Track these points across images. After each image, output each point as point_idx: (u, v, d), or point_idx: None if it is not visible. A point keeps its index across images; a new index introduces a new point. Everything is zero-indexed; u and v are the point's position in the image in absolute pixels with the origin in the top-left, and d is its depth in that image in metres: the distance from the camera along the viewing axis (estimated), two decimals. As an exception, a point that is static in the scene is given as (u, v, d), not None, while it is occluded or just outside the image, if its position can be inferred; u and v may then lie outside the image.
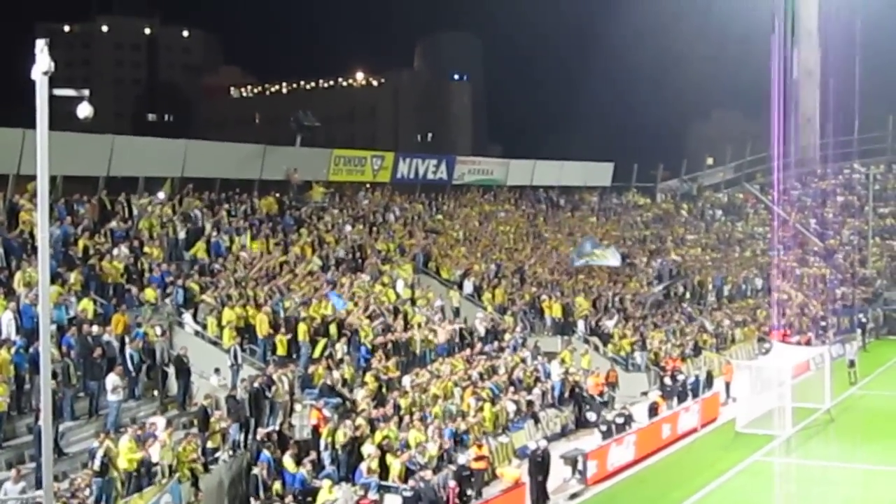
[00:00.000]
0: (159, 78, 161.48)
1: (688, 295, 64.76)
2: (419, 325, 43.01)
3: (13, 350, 29.06)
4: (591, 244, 58.69)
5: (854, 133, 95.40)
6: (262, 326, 36.96)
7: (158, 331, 34.24)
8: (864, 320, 67.83)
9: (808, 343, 58.00)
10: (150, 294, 36.58)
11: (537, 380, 42.34)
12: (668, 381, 46.95)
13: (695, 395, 45.69)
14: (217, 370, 34.25)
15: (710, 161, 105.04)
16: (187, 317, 36.64)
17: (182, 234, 42.77)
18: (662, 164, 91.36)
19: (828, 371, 46.04)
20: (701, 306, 63.76)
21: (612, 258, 58.17)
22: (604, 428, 38.71)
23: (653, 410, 41.52)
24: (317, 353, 37.51)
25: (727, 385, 47.92)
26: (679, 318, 58.54)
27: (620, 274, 62.88)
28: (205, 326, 36.49)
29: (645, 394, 45.93)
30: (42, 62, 17.73)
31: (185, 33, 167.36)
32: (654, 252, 71.47)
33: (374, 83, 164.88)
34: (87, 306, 33.50)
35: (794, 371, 45.72)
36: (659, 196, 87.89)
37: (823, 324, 65.87)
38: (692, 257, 74.05)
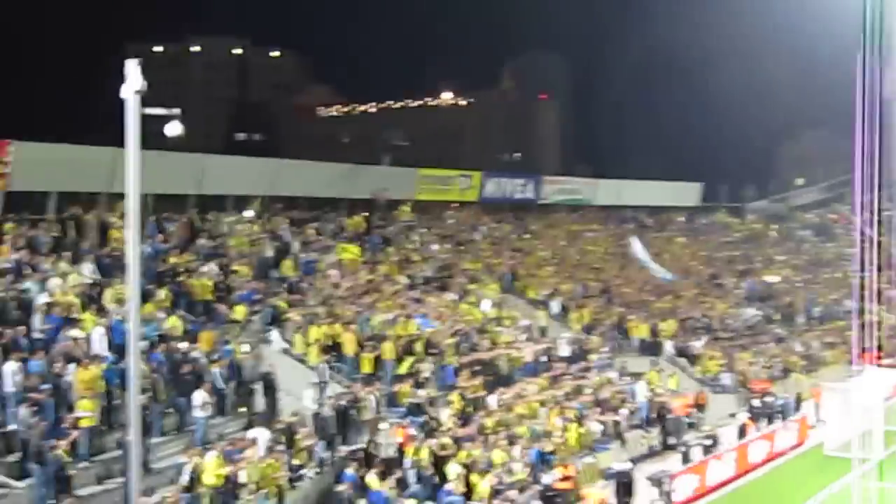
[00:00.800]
0: (249, 97, 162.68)
1: (777, 316, 64.10)
2: (505, 345, 42.97)
3: (104, 366, 29.38)
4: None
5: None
6: (348, 344, 37.13)
7: (246, 348, 34.49)
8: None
9: (900, 366, 57.10)
10: (238, 311, 36.90)
11: (623, 400, 42.10)
12: (756, 402, 46.50)
13: (784, 418, 45.21)
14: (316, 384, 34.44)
15: (800, 181, 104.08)
16: (275, 334, 36.89)
17: (270, 253, 43.09)
18: (752, 185, 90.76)
19: (920, 394, 45.34)
20: (790, 327, 63.08)
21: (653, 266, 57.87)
22: (682, 450, 38.40)
23: (741, 432, 41.14)
24: (402, 371, 37.60)
25: (816, 407, 47.35)
26: (768, 340, 57.95)
27: (709, 295, 62.46)
28: (292, 344, 36.72)
29: (733, 416, 45.51)
30: (134, 81, 17.97)
31: (275, 53, 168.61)
32: (743, 273, 70.84)
33: (462, 103, 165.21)
34: (175, 323, 33.84)
35: (886, 394, 45.03)
36: (748, 216, 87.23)
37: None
38: (782, 278, 73.30)
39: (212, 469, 26.96)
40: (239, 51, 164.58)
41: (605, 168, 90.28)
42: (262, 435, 30.10)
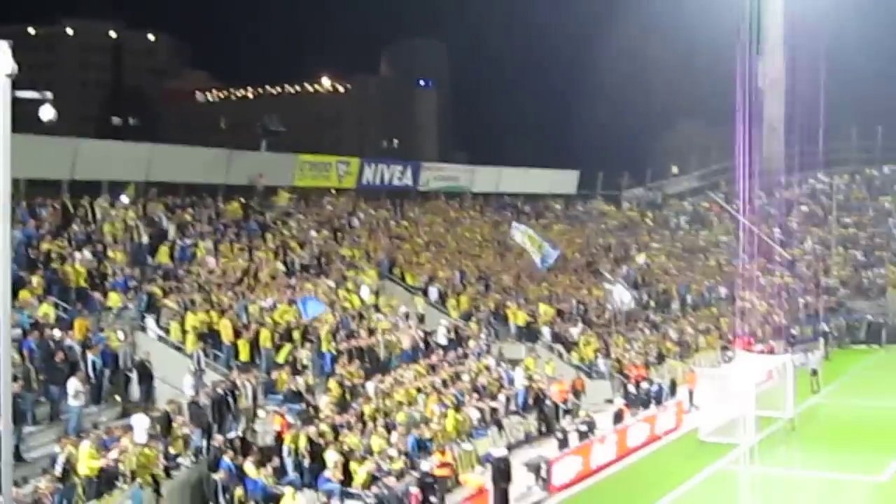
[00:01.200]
0: (124, 82, 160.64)
1: (652, 303, 64.85)
2: (383, 331, 42.94)
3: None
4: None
5: (818, 143, 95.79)
6: (225, 332, 36.82)
7: (121, 335, 34.04)
8: (826, 329, 68.07)
9: (771, 352, 58.17)
10: (113, 299, 36.38)
11: (501, 387, 42.28)
12: (631, 388, 47.04)
13: (658, 403, 45.76)
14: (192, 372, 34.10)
15: (674, 170, 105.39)
16: (150, 322, 36.44)
17: (146, 239, 42.54)
18: (627, 173, 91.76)
19: (790, 380, 46.15)
20: (665, 314, 63.85)
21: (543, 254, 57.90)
22: (560, 436, 38.68)
23: (617, 418, 41.55)
24: (280, 359, 37.41)
25: (690, 393, 47.97)
26: (643, 326, 58.58)
27: (585, 281, 63.04)
28: (168, 331, 36.31)
29: (609, 401, 45.97)
30: (4, 63, 17.56)
31: (151, 37, 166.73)
32: (619, 260, 71.56)
33: (340, 89, 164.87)
34: (48, 310, 33.29)
35: (757, 379, 45.82)
36: (624, 204, 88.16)
37: (787, 333, 66.10)
38: (656, 265, 74.18)
39: (86, 458, 26.53)
40: (114, 34, 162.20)
41: (484, 155, 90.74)
42: (141, 422, 29.73)
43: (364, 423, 34.04)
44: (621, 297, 56.39)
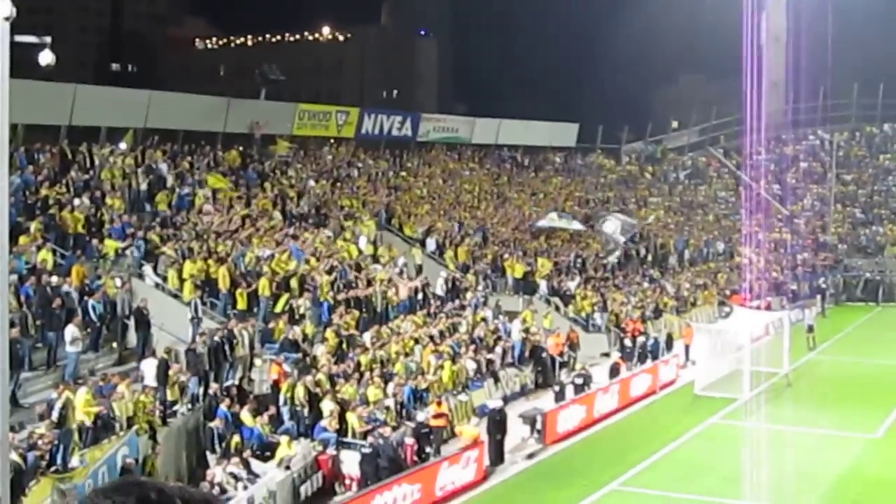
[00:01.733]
0: (123, 27, 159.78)
1: (650, 257, 64.91)
2: (381, 282, 42.93)
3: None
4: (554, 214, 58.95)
5: (819, 99, 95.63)
6: (223, 280, 36.81)
7: (118, 283, 34.00)
8: (823, 286, 68.23)
9: (768, 308, 58.29)
10: (110, 245, 36.33)
11: (498, 339, 42.33)
12: (628, 342, 47.12)
13: (655, 357, 45.85)
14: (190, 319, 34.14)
15: (675, 124, 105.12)
16: (148, 269, 36.41)
17: (144, 186, 42.48)
18: (627, 126, 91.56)
19: (787, 336, 46.26)
20: (663, 269, 63.91)
21: (573, 224, 58.43)
22: (557, 388, 38.77)
23: (613, 371, 41.63)
24: (278, 308, 37.42)
25: (687, 348, 48.04)
26: (640, 281, 58.64)
27: (582, 235, 63.04)
28: (165, 279, 36.29)
29: (606, 355, 46.08)
30: (3, 7, 17.45)
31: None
32: (618, 213, 71.56)
33: (341, 38, 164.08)
34: (46, 256, 33.26)
35: (754, 335, 45.95)
36: (623, 158, 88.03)
37: (784, 288, 66.26)
38: (655, 220, 74.19)
39: (82, 405, 26.57)
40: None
41: (483, 107, 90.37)
42: (151, 366, 29.86)
43: (361, 374, 34.08)
44: (616, 230, 56.70)
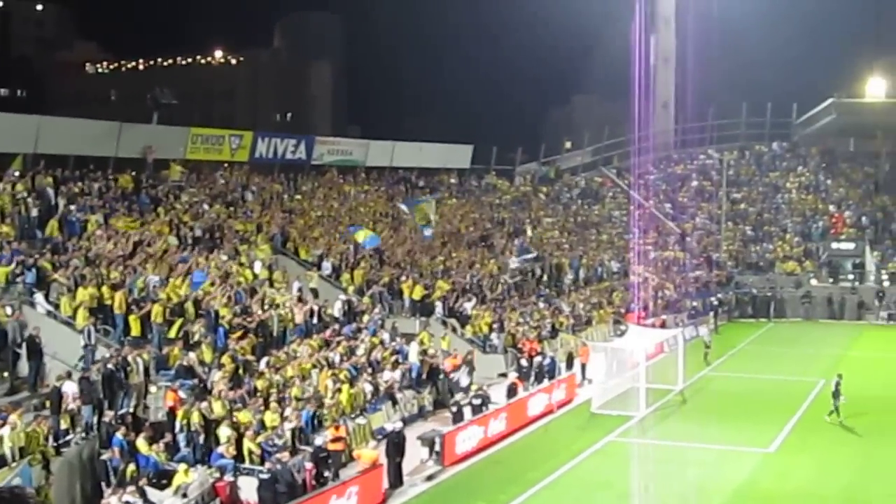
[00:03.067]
0: (11, 52, 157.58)
1: (545, 277, 65.27)
2: (276, 306, 42.68)
3: None
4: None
5: (708, 119, 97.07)
6: (117, 306, 36.37)
7: (9, 311, 33.46)
8: (716, 303, 69.21)
9: (662, 325, 58.95)
10: (1, 273, 35.75)
11: (396, 361, 42.23)
12: (524, 362, 47.27)
13: (551, 377, 46.01)
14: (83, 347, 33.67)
15: (568, 145, 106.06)
16: (39, 297, 35.86)
17: (34, 213, 41.89)
18: (521, 148, 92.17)
19: (681, 353, 46.83)
20: (558, 288, 64.31)
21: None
22: (454, 409, 38.79)
23: (511, 392, 41.71)
24: (172, 334, 37.03)
25: (583, 367, 48.32)
26: (536, 300, 58.91)
27: (478, 256, 63.24)
28: (57, 307, 35.77)
29: (503, 375, 46.19)
30: None
31: (39, 7, 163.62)
32: (513, 234, 71.90)
33: (233, 62, 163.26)
34: (-66, 285, 32.69)
35: (648, 352, 46.39)
36: (517, 179, 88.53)
37: (677, 306, 67.14)
38: (549, 240, 74.66)
39: (-28, 436, 26.11)
40: (1, 3, 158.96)
41: (378, 130, 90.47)
42: (71, 387, 29.45)
43: (257, 399, 33.82)
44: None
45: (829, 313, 73.53)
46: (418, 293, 52.09)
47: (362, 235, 53.83)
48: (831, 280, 76.99)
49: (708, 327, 60.41)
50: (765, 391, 47.25)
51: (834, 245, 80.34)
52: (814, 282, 76.50)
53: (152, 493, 27.12)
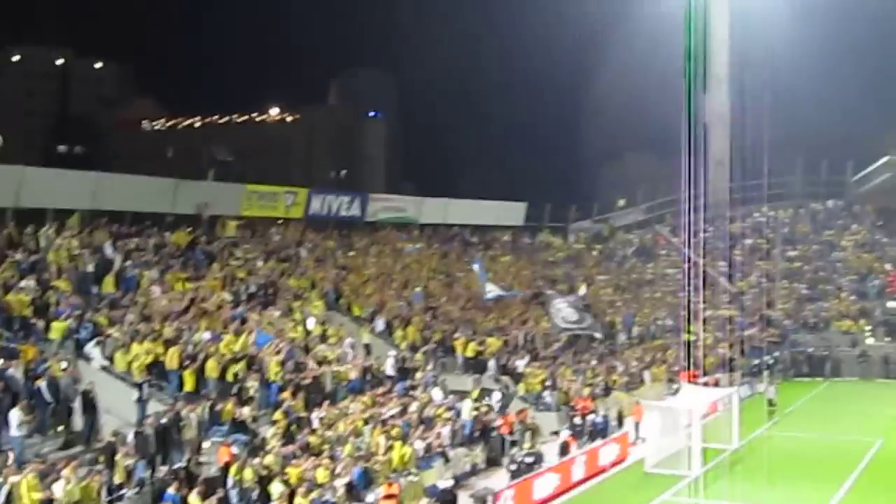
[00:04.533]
0: (71, 109, 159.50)
1: (598, 335, 65.00)
2: (329, 362, 42.79)
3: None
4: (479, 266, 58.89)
5: (763, 177, 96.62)
6: (170, 362, 36.58)
7: (63, 365, 33.71)
8: (771, 362, 68.69)
9: (716, 384, 58.50)
10: (56, 328, 36.06)
11: (448, 418, 42.14)
12: (578, 420, 47.07)
13: (604, 436, 45.79)
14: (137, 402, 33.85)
15: (621, 202, 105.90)
16: (95, 351, 36.13)
17: (90, 268, 42.26)
18: (574, 205, 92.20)
19: (735, 411, 46.46)
20: (611, 346, 64.06)
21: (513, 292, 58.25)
22: (513, 467, 38.63)
23: (563, 450, 41.53)
24: (226, 390, 37.17)
25: (636, 425, 48.06)
26: (589, 358, 58.68)
27: (531, 313, 63.16)
28: (112, 361, 36.02)
29: (556, 433, 46.00)
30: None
31: (99, 65, 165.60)
32: (565, 292, 71.68)
33: (289, 119, 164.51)
34: (-9, 340, 32.99)
35: (703, 411, 46.08)
36: (571, 236, 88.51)
37: (732, 364, 66.66)
38: (603, 297, 74.47)
39: (27, 490, 26.25)
40: (61, 61, 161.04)
41: (431, 187, 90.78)
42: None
43: (309, 455, 33.85)
44: (565, 314, 56.63)
45: (886, 372, 72.69)
46: (473, 350, 52.03)
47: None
48: (888, 339, 76.17)
49: (773, 384, 60.11)
50: (821, 451, 46.78)
51: (890, 303, 79.59)
52: (870, 340, 75.78)
53: (204, 548, 27.20)
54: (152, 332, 37.94)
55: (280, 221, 62.71)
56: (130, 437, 31.50)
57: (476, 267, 58.26)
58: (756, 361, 68.86)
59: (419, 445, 38.20)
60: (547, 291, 61.48)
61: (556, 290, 69.29)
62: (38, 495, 26.36)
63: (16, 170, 46.75)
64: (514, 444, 42.88)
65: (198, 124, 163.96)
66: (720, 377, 61.31)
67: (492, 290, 57.28)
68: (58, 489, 27.05)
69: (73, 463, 28.57)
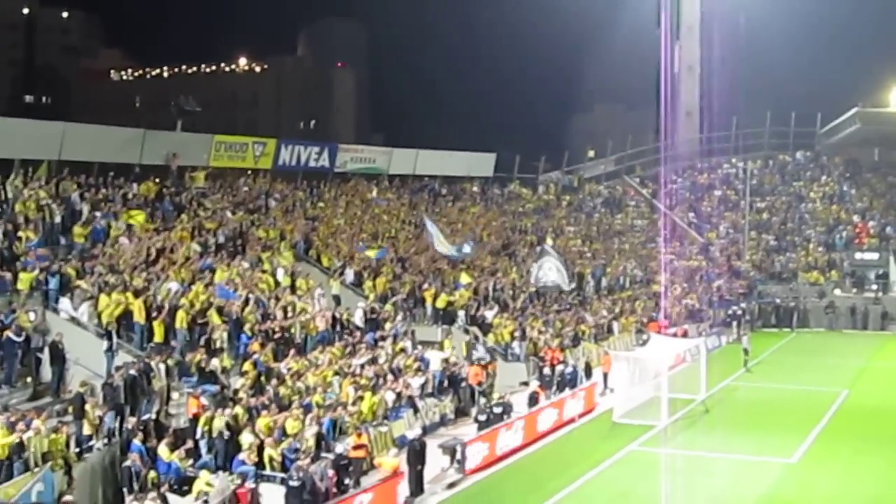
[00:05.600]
0: (37, 59, 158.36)
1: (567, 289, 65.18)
2: (299, 313, 42.75)
3: None
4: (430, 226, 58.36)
5: (732, 128, 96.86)
6: (139, 313, 36.47)
7: (32, 316, 33.58)
8: (739, 313, 69.00)
9: (684, 335, 58.81)
10: (24, 279, 35.88)
11: (418, 369, 42.21)
12: (547, 371, 47.21)
13: (573, 386, 45.95)
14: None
15: (591, 153, 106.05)
16: (63, 302, 35.98)
17: (58, 219, 42.04)
18: (544, 156, 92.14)
19: (703, 362, 46.68)
20: (580, 297, 64.21)
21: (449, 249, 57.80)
22: (482, 417, 38.74)
23: (532, 400, 41.67)
24: (195, 340, 37.12)
25: (605, 376, 48.23)
26: (559, 309, 58.80)
27: (501, 264, 63.24)
28: (81, 312, 35.87)
29: (525, 384, 46.13)
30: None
31: (65, 14, 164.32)
32: (535, 243, 71.80)
33: (257, 69, 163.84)
34: (-42, 291, 32.81)
35: (671, 362, 46.32)
36: (540, 188, 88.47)
37: (700, 315, 67.08)
38: (572, 248, 74.60)
39: (-3, 437, 26.24)
40: (27, 10, 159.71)
41: (401, 137, 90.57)
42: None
43: (279, 406, 33.86)
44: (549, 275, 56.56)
45: (853, 323, 73.18)
46: (444, 301, 52.07)
47: (372, 252, 54.08)
48: (855, 290, 76.66)
49: (745, 333, 60.45)
50: (787, 401, 47.07)
51: (857, 255, 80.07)
52: (837, 292, 76.20)
53: (173, 499, 27.22)
54: (121, 283, 37.78)
55: (249, 172, 62.53)
56: (99, 389, 31.42)
57: (428, 225, 57.90)
58: (723, 313, 69.23)
59: (389, 396, 38.27)
60: (545, 247, 61.04)
61: (525, 242, 69.44)
62: (8, 440, 26.30)
63: (-19, 120, 46.44)
64: (482, 394, 42.99)
65: (166, 74, 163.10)
66: (688, 328, 61.66)
67: (442, 248, 56.94)
68: (27, 440, 26.98)
69: (42, 414, 28.52)
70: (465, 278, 56.51)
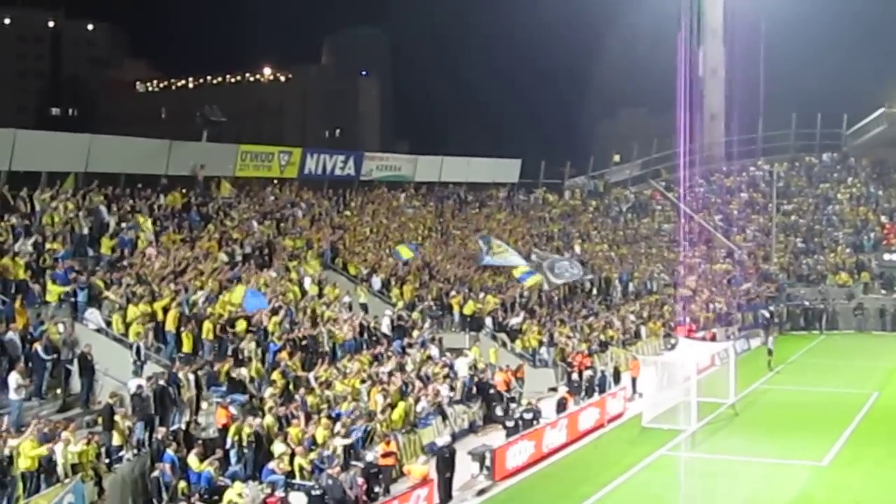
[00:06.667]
0: (63, 72, 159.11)
1: (594, 291, 65.11)
2: (326, 321, 42.79)
3: None
4: (485, 242, 58.31)
5: (758, 131, 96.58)
6: (167, 323, 36.55)
7: (61, 328, 33.67)
8: (768, 315, 68.80)
9: (713, 339, 58.68)
10: (53, 291, 35.98)
11: (446, 376, 42.20)
12: (575, 376, 47.18)
13: (602, 391, 45.90)
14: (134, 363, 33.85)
15: (616, 158, 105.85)
16: (92, 313, 36.07)
17: (86, 230, 42.16)
18: (570, 161, 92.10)
19: (732, 366, 46.55)
20: (607, 302, 64.12)
21: (512, 258, 57.80)
22: (510, 424, 38.72)
23: (561, 406, 41.62)
24: (224, 350, 37.17)
25: (633, 380, 48.20)
26: (586, 314, 58.72)
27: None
28: (109, 324, 35.99)
29: (553, 389, 46.10)
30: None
31: (90, 26, 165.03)
32: (561, 248, 71.71)
33: (282, 79, 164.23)
34: (-13, 304, 32.91)
35: (700, 366, 46.20)
36: (566, 193, 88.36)
37: (729, 319, 66.91)
38: (598, 253, 74.47)
39: (27, 450, 26.28)
40: (52, 23, 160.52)
41: (426, 145, 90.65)
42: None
43: (308, 414, 33.89)
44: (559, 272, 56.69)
45: (882, 325, 72.91)
46: (471, 308, 52.04)
47: (406, 251, 54.17)
48: (884, 291, 76.29)
49: (772, 334, 60.40)
50: (817, 404, 46.94)
51: (886, 256, 79.71)
52: (866, 293, 75.89)
53: (204, 509, 27.28)
54: (149, 294, 37.88)
55: (275, 181, 62.57)
56: (128, 399, 31.51)
57: (480, 243, 58.02)
58: (752, 316, 69.04)
59: (418, 403, 38.26)
60: (536, 252, 61.06)
61: (552, 247, 69.36)
62: (36, 452, 26.37)
63: (8, 133, 46.51)
64: (511, 400, 42.97)
65: (191, 85, 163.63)
66: (717, 332, 61.52)
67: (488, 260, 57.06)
68: (57, 451, 27.06)
69: (72, 425, 28.60)
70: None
